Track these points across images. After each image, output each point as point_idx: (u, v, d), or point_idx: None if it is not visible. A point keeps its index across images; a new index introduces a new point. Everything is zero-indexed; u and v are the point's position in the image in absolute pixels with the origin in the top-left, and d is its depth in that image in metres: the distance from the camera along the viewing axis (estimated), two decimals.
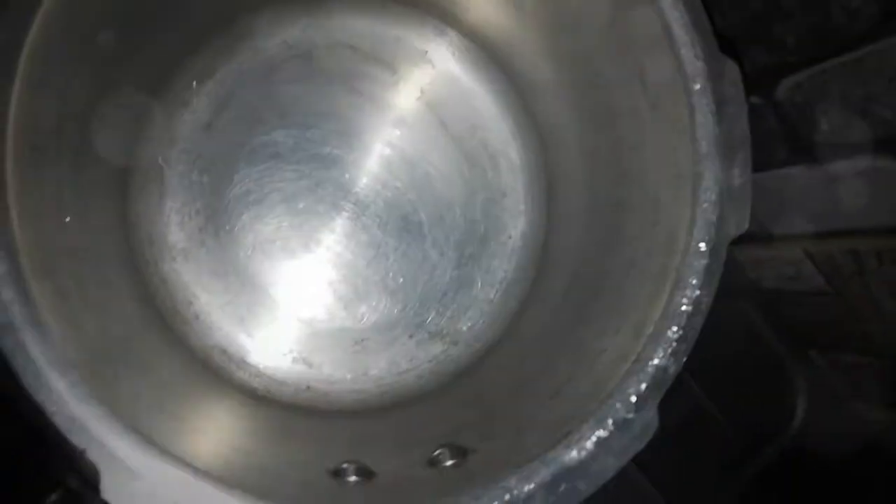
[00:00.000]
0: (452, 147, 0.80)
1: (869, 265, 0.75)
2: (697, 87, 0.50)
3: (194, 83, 0.74)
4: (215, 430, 0.65)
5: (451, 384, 0.75)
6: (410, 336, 0.79)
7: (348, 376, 0.77)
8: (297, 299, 0.76)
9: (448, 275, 0.80)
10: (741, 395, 0.96)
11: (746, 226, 0.50)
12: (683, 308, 0.48)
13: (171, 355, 0.70)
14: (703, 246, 0.50)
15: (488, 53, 0.77)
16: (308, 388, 0.76)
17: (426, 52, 0.79)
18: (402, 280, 0.79)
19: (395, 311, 0.79)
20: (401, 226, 0.79)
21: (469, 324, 0.80)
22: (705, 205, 0.50)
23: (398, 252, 0.79)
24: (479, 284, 0.80)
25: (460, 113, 0.80)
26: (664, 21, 0.50)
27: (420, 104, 0.79)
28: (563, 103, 0.71)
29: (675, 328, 0.48)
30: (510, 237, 0.80)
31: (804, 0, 0.59)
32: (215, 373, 0.73)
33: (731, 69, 0.50)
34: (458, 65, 0.80)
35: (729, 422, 0.96)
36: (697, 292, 0.49)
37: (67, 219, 0.54)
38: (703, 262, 0.49)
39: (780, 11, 0.60)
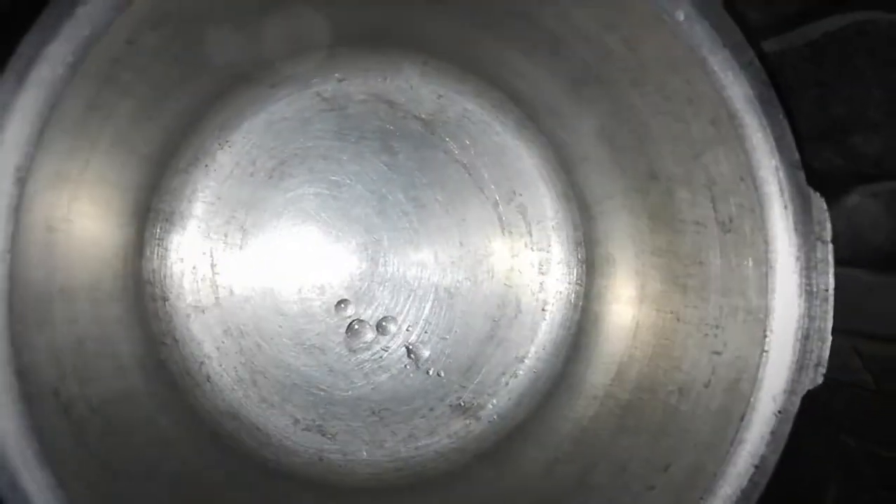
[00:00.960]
0: (489, 211, 0.75)
1: None
2: (781, 225, 0.46)
3: (219, 132, 0.69)
4: None
5: (473, 466, 0.72)
6: (431, 409, 0.75)
7: (363, 447, 0.74)
8: (316, 364, 0.72)
9: (475, 347, 0.76)
10: None
11: (821, 380, 0.46)
12: (749, 470, 0.44)
13: (181, 423, 0.66)
14: (775, 397, 0.45)
15: (536, 123, 0.71)
16: (321, 458, 0.73)
17: (466, 110, 0.74)
18: (427, 351, 0.75)
19: (417, 381, 0.75)
20: (431, 294, 0.74)
21: (494, 400, 0.76)
22: (777, 353, 0.46)
23: (425, 320, 0.75)
24: (508, 359, 0.76)
25: (499, 176, 0.75)
26: (747, 147, 0.45)
27: (457, 166, 0.74)
28: (613, 181, 0.67)
29: (738, 491, 0.44)
30: (545, 312, 0.76)
31: (893, 112, 0.54)
32: (225, 441, 0.69)
33: (820, 207, 0.46)
34: (500, 127, 0.75)
35: None
36: (762, 454, 0.44)
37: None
38: (773, 423, 0.45)
39: (864, 122, 0.55)
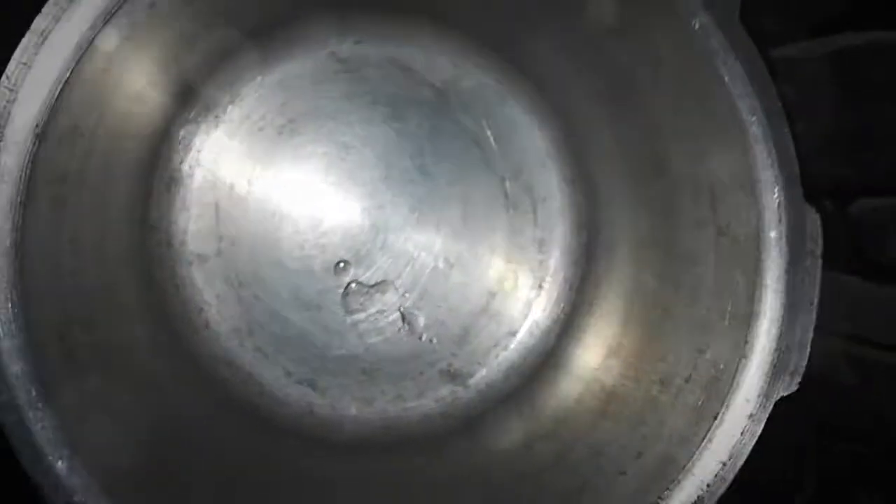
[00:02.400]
0: (495, 186, 0.76)
1: None
2: (773, 234, 0.46)
3: (230, 86, 0.69)
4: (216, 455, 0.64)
5: (457, 432, 0.74)
6: (421, 373, 0.77)
7: (353, 404, 0.76)
8: (311, 321, 0.74)
9: (469, 318, 0.78)
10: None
11: (795, 388, 0.48)
12: (717, 466, 0.46)
13: (177, 369, 0.69)
14: (749, 399, 0.47)
15: (549, 102, 0.71)
16: (311, 412, 0.75)
17: (481, 82, 0.74)
18: (422, 318, 0.77)
19: (409, 345, 0.77)
20: (430, 263, 0.76)
21: (483, 370, 0.78)
22: (756, 359, 0.47)
23: (422, 288, 0.76)
24: (500, 332, 0.78)
25: (508, 151, 0.76)
26: (749, 158, 0.46)
27: (467, 137, 0.75)
28: (620, 171, 0.67)
29: (704, 486, 0.46)
30: (541, 290, 0.78)
31: None
32: (219, 387, 0.72)
33: (813, 221, 0.46)
34: (513, 101, 0.74)
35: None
36: (731, 452, 0.46)
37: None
38: (744, 424, 0.46)
39: (876, 137, 0.55)
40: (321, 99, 0.72)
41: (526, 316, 0.78)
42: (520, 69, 0.72)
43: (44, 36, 0.36)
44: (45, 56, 0.37)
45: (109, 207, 0.55)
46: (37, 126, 0.37)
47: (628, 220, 0.65)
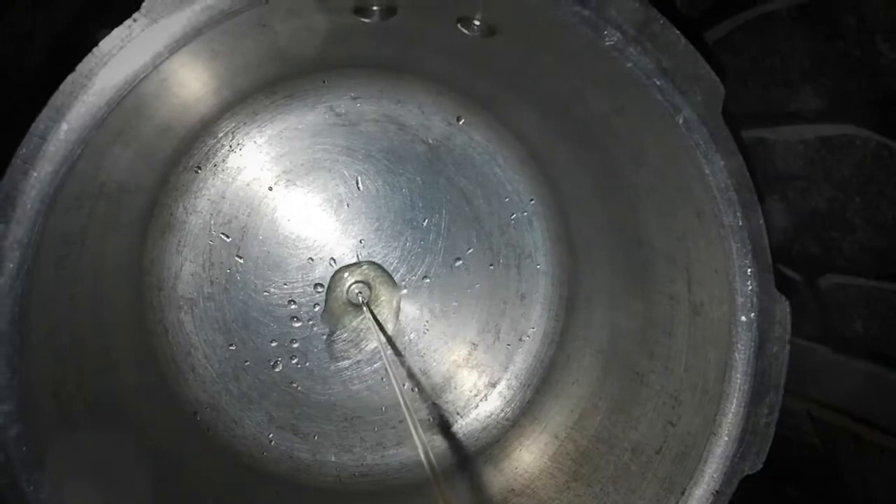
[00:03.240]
0: (482, 241, 0.78)
1: (868, 450, 0.76)
2: (743, 319, 0.49)
3: (232, 135, 0.71)
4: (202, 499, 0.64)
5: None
6: (401, 421, 0.78)
7: (332, 450, 0.77)
8: (297, 367, 0.76)
9: (451, 368, 0.79)
10: None
11: (760, 467, 0.50)
12: None
13: (160, 409, 0.70)
14: (716, 476, 0.49)
15: (538, 163, 0.74)
16: (291, 456, 0.76)
17: (472, 140, 0.76)
18: (404, 367, 0.78)
19: (391, 394, 0.78)
20: (415, 313, 0.78)
21: (462, 421, 0.79)
22: (725, 438, 0.49)
23: (406, 338, 0.78)
24: (481, 383, 0.80)
25: (496, 207, 0.78)
26: (725, 246, 0.48)
27: (457, 192, 0.77)
28: (601, 236, 0.70)
29: None
30: (521, 342, 0.80)
31: (871, 221, 0.57)
32: (202, 431, 0.73)
33: (783, 309, 0.49)
34: (503, 161, 0.77)
35: None
36: None
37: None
38: (710, 500, 0.48)
39: (843, 221, 0.58)
40: (318, 151, 0.74)
41: (507, 368, 0.80)
42: (511, 131, 0.75)
43: (59, 111, 0.38)
44: (59, 130, 0.38)
45: (106, 258, 0.56)
46: (46, 199, 0.38)
47: (607, 282, 0.68)
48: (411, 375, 0.79)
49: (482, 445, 0.78)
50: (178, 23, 0.40)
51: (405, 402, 0.58)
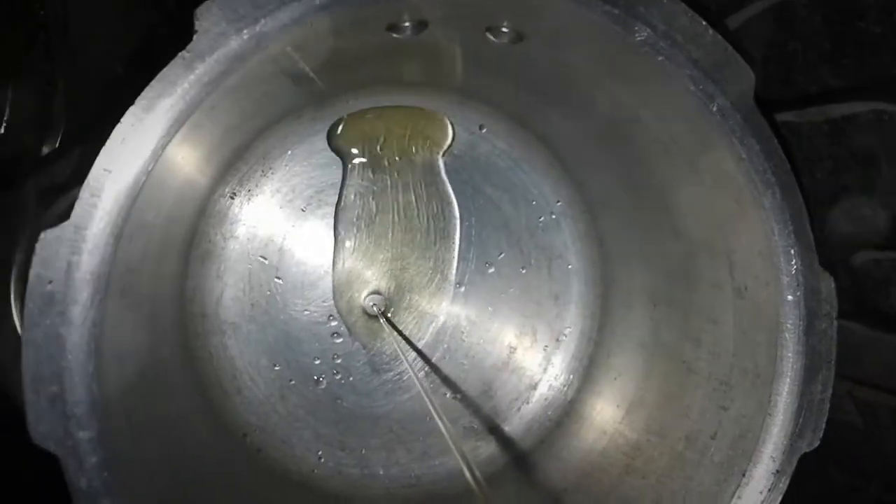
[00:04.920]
0: (511, 245, 0.79)
1: None
2: (790, 297, 0.50)
3: (263, 160, 0.72)
4: None
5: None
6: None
7: (380, 464, 0.78)
8: (341, 382, 0.77)
9: (491, 373, 0.80)
10: None
11: (818, 444, 0.50)
12: None
13: (213, 433, 0.71)
14: (775, 457, 0.50)
15: (563, 165, 0.75)
16: (339, 472, 0.77)
17: (496, 147, 0.78)
18: (445, 374, 0.79)
19: (436, 402, 0.79)
20: (452, 321, 0.79)
21: (505, 425, 0.80)
22: (781, 417, 0.50)
23: (446, 345, 0.79)
24: (521, 386, 0.81)
25: (524, 212, 0.79)
26: (766, 228, 0.49)
27: (485, 200, 0.78)
28: (634, 232, 0.71)
29: None
30: (559, 343, 0.80)
31: None
32: (252, 452, 0.73)
33: (828, 286, 0.50)
34: (528, 166, 0.78)
35: None
36: None
37: None
38: (770, 480, 0.49)
39: (873, 197, 0.59)
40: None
41: (546, 369, 0.81)
42: (534, 134, 0.76)
43: (124, 143, 0.39)
44: (124, 163, 0.40)
45: (159, 287, 0.58)
46: (116, 228, 0.40)
47: (643, 277, 0.69)
48: (451, 383, 0.80)
49: (528, 447, 0.78)
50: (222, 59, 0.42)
51: (435, 410, 0.59)
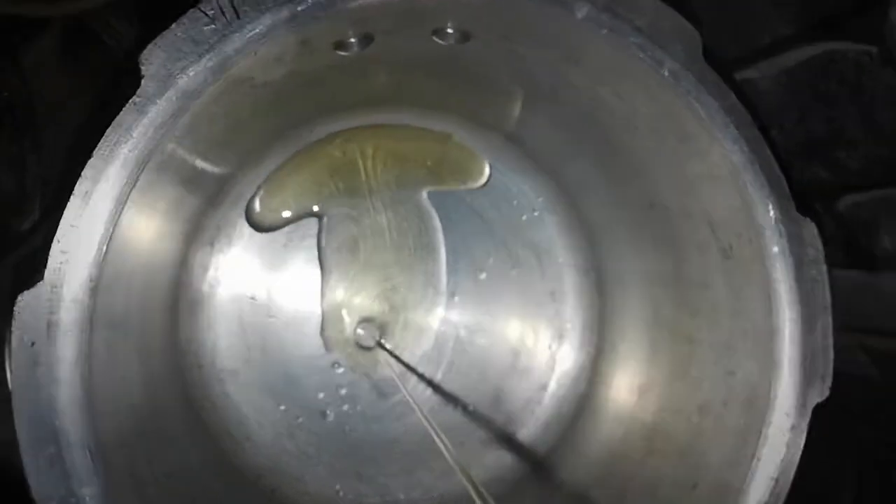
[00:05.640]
0: (499, 249, 0.79)
1: None
2: (775, 249, 0.49)
3: (235, 203, 0.73)
4: None
5: (510, 496, 0.75)
6: (462, 443, 0.78)
7: (401, 489, 0.77)
8: (349, 412, 0.76)
9: (499, 379, 0.79)
10: None
11: (828, 393, 0.50)
12: (770, 483, 0.47)
13: (224, 479, 0.69)
14: (788, 413, 0.49)
15: (535, 160, 0.76)
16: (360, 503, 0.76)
17: (467, 153, 0.78)
18: (454, 387, 0.78)
19: (447, 418, 0.78)
20: (452, 333, 0.78)
21: (523, 429, 0.79)
22: (785, 370, 0.49)
23: (449, 359, 0.78)
24: (532, 388, 0.80)
25: (505, 215, 0.79)
26: (739, 184, 0.49)
27: (465, 209, 0.78)
28: (615, 212, 0.71)
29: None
30: (562, 338, 0.80)
31: (869, 130, 0.58)
32: (267, 494, 0.72)
33: (810, 231, 0.49)
34: (504, 167, 0.78)
35: None
36: (780, 467, 0.48)
37: None
38: (787, 436, 0.48)
39: (844, 138, 0.59)
40: (323, 197, 0.75)
41: (553, 367, 0.80)
42: (503, 134, 0.76)
43: (87, 197, 0.39)
44: (89, 215, 0.40)
45: (148, 340, 0.57)
46: (90, 281, 0.39)
47: (632, 256, 0.68)
48: (460, 397, 0.79)
49: (548, 448, 0.77)
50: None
51: (436, 433, 0.58)
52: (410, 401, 0.66)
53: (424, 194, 0.76)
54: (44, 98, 0.86)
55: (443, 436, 0.57)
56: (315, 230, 0.75)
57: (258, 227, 0.72)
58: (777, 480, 0.49)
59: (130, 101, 0.41)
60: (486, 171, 0.78)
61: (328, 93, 0.61)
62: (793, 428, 0.49)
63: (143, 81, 0.41)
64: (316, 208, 0.74)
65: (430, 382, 0.77)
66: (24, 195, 0.82)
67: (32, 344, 0.40)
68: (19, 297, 0.40)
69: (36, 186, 0.82)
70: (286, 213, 0.73)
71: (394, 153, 0.76)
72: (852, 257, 0.72)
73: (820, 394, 0.49)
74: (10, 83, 0.86)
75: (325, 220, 0.74)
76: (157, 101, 0.41)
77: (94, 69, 0.88)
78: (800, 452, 0.50)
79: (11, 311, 0.42)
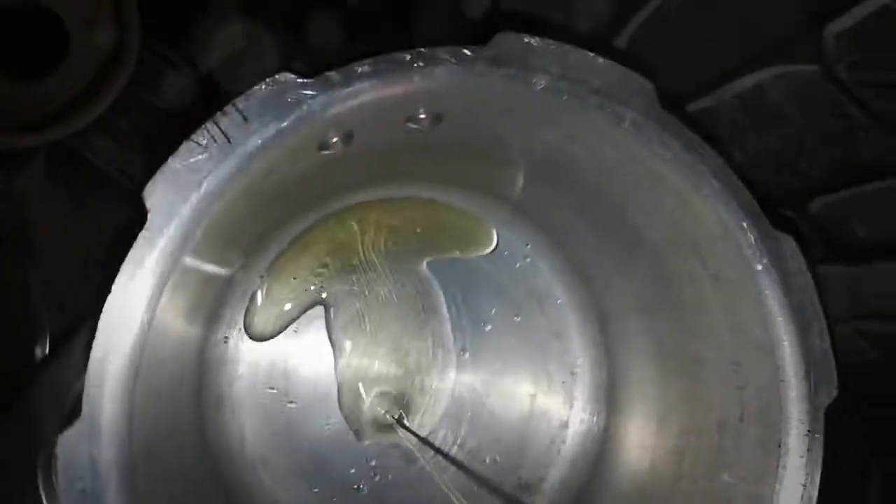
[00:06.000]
0: (499, 301, 0.82)
1: None
2: (759, 267, 0.52)
3: (241, 299, 0.75)
4: None
5: None
6: (495, 491, 0.79)
7: None
8: (382, 483, 0.77)
9: (520, 424, 0.81)
10: None
11: (836, 393, 0.52)
12: (800, 489, 0.49)
13: None
14: (802, 419, 0.51)
15: (520, 213, 0.79)
16: None
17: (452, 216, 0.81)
18: (478, 441, 0.80)
19: (478, 469, 0.79)
20: (467, 387, 0.80)
21: (551, 470, 0.80)
22: (792, 379, 0.52)
23: (470, 415, 0.80)
24: (553, 428, 0.82)
25: (501, 268, 0.82)
26: (717, 212, 0.52)
27: (460, 265, 0.81)
28: (605, 253, 0.73)
29: None
30: (574, 375, 0.82)
31: (825, 139, 0.62)
32: None
33: (789, 244, 0.52)
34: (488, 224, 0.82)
35: None
36: (805, 472, 0.50)
37: None
38: (806, 441, 0.50)
39: (804, 149, 0.63)
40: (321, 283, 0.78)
41: (571, 405, 0.82)
42: (490, 195, 0.79)
43: (110, 329, 0.42)
44: (116, 346, 0.42)
45: (182, 445, 0.59)
46: (126, 407, 0.42)
47: (626, 290, 0.71)
48: (487, 448, 0.81)
49: (579, 487, 0.79)
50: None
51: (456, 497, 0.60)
52: (430, 471, 0.68)
53: (424, 263, 0.79)
54: (39, 223, 0.89)
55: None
56: (321, 312, 0.77)
57: (261, 336, 0.75)
58: (805, 486, 0.51)
59: (140, 235, 0.44)
60: (494, 237, 0.81)
61: (319, 184, 0.64)
62: (810, 432, 0.51)
63: (149, 216, 0.44)
64: (324, 295, 0.77)
65: (453, 442, 0.79)
66: (32, 322, 0.84)
67: (80, 479, 0.42)
68: (59, 438, 0.42)
69: (42, 316, 0.84)
70: (288, 306, 0.76)
71: (387, 225, 0.79)
72: (833, 252, 0.75)
73: (828, 395, 0.51)
74: (6, 213, 0.89)
75: (329, 301, 0.77)
76: (165, 231, 0.44)
77: (84, 188, 0.91)
78: (821, 454, 0.52)
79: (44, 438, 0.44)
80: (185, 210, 0.45)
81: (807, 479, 0.51)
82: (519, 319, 0.82)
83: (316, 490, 0.76)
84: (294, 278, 0.77)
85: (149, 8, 0.81)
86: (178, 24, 0.88)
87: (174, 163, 0.45)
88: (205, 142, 0.45)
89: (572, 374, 0.82)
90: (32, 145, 0.83)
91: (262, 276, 0.75)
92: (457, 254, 0.81)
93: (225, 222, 0.51)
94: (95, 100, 0.81)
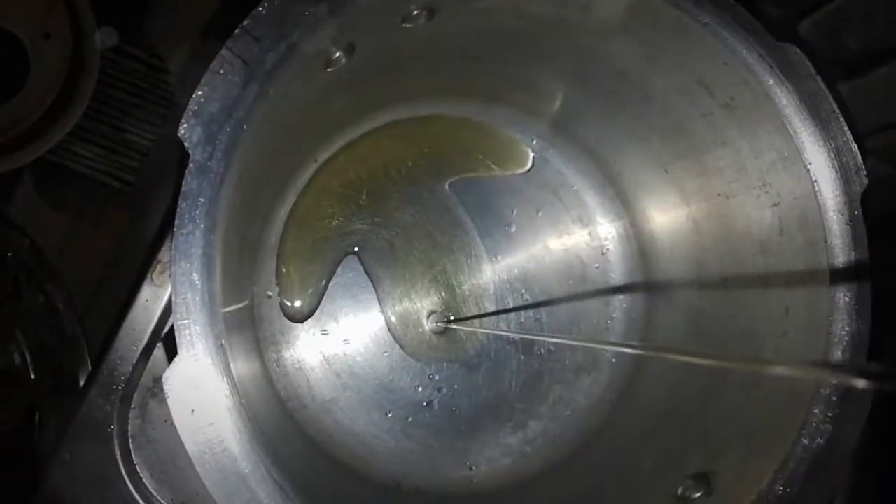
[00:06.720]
0: (520, 197, 0.84)
1: None
2: (771, 81, 0.54)
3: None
4: None
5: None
6: (559, 382, 0.82)
7: (525, 442, 0.81)
8: (448, 396, 0.80)
9: (567, 306, 0.84)
10: None
11: (867, 181, 0.54)
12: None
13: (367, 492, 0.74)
14: (840, 214, 0.54)
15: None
16: (494, 469, 0.80)
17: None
18: (531, 333, 0.83)
19: (535, 363, 0.82)
20: (506, 281, 0.83)
21: (569, 409, 0.82)
22: (824, 175, 0.54)
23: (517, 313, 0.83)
24: (600, 314, 0.84)
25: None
26: (718, 37, 0.54)
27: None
28: (615, 119, 0.75)
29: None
30: (605, 256, 0.84)
31: None
32: (410, 494, 0.76)
33: (793, 51, 0.54)
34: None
35: None
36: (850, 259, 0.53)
37: None
38: (849, 228, 0.53)
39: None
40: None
41: (607, 275, 0.84)
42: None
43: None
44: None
45: (256, 409, 0.61)
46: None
47: (641, 150, 0.72)
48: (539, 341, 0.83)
49: (630, 369, 0.81)
50: None
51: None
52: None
53: (446, 184, 0.80)
54: (45, 245, 0.87)
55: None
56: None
57: (299, 316, 0.77)
58: (857, 275, 0.53)
59: (188, 168, 0.45)
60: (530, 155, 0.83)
61: (336, 108, 0.65)
62: (850, 222, 0.53)
63: (190, 151, 0.45)
64: (347, 243, 0.79)
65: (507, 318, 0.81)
66: (68, 346, 0.83)
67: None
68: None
69: (77, 334, 0.83)
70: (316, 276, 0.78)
71: (400, 150, 0.80)
72: (833, 72, 0.76)
73: (861, 184, 0.54)
74: (11, 239, 0.88)
75: (356, 247, 0.79)
76: (210, 162, 0.45)
77: (78, 200, 0.89)
78: (865, 241, 0.54)
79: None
80: (223, 138, 0.46)
81: (854, 267, 0.53)
82: (541, 214, 0.84)
83: (389, 415, 0.78)
84: (316, 237, 0.78)
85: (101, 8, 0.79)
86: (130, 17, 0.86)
87: (199, 97, 0.46)
88: (223, 70, 0.46)
89: (601, 252, 0.85)
90: (13, 168, 0.81)
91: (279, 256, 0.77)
92: (494, 170, 0.82)
93: (258, 153, 0.52)
94: (69, 109, 0.79)
